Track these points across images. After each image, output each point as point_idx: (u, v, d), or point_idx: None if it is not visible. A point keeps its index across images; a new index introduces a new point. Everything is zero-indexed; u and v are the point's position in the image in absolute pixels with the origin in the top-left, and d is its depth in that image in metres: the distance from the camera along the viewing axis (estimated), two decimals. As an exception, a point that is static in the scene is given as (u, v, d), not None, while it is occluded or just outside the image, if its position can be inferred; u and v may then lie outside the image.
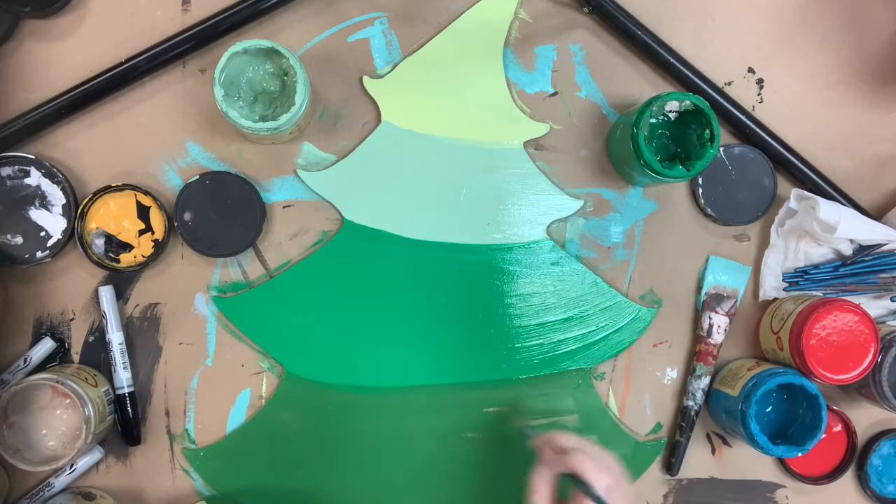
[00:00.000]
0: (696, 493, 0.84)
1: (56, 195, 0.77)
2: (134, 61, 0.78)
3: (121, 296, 0.79)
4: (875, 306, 0.83)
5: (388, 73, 0.81)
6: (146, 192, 0.78)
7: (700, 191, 0.82)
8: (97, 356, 0.79)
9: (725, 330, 0.82)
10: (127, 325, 0.79)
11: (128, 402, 0.78)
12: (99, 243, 0.77)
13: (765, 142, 0.82)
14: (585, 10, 0.81)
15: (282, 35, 0.80)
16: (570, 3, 0.82)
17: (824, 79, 0.85)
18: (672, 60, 0.81)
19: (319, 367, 0.80)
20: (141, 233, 0.78)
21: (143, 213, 0.78)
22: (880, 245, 0.81)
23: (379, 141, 0.81)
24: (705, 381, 0.82)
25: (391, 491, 0.81)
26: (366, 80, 0.81)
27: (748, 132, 0.82)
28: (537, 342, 0.82)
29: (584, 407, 0.82)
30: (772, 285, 0.83)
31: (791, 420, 0.80)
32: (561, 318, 0.82)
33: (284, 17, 0.80)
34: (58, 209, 0.77)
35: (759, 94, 0.84)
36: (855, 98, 0.85)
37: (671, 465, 0.83)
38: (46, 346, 0.78)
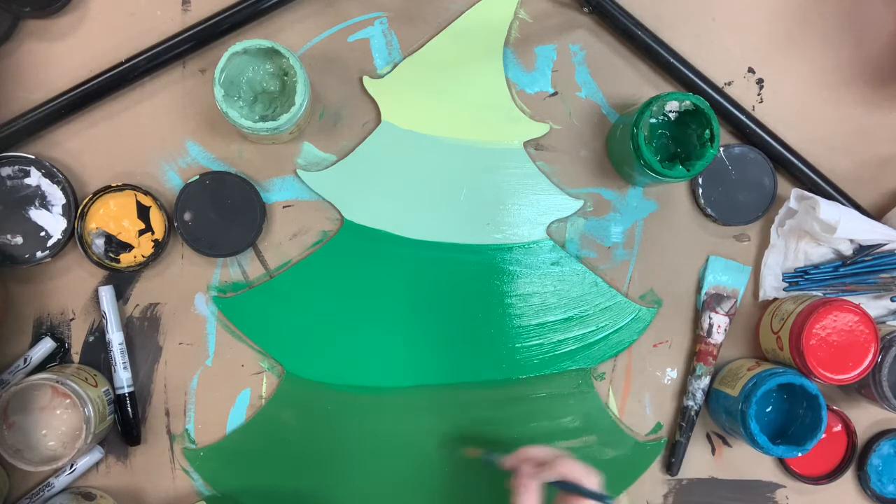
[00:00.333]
0: (696, 493, 0.84)
1: (56, 195, 0.77)
2: (134, 61, 0.78)
3: (121, 296, 0.79)
4: (875, 306, 0.83)
5: (388, 73, 0.81)
6: (146, 192, 0.78)
7: (700, 191, 0.82)
8: (97, 356, 0.79)
9: (725, 330, 0.82)
10: (127, 325, 0.79)
11: (128, 402, 0.78)
12: (99, 243, 0.77)
13: (765, 142, 0.82)
14: (585, 10, 0.81)
15: (282, 35, 0.80)
16: (570, 3, 0.82)
17: (824, 79, 0.85)
18: (672, 60, 0.81)
19: (319, 367, 0.80)
20: (141, 233, 0.78)
21: (143, 213, 0.78)
22: (880, 245, 0.81)
23: (379, 141, 0.81)
24: (705, 381, 0.82)
25: (391, 491, 0.81)
26: (366, 80, 0.81)
27: (748, 132, 0.82)
28: (537, 342, 0.82)
29: (584, 407, 0.82)
30: (772, 285, 0.83)
31: (791, 420, 0.80)
32: (561, 318, 0.82)
33: (284, 17, 0.80)
34: (58, 209, 0.77)
35: (759, 94, 0.84)
36: (855, 98, 0.85)
37: (671, 465, 0.83)
38: (46, 346, 0.78)
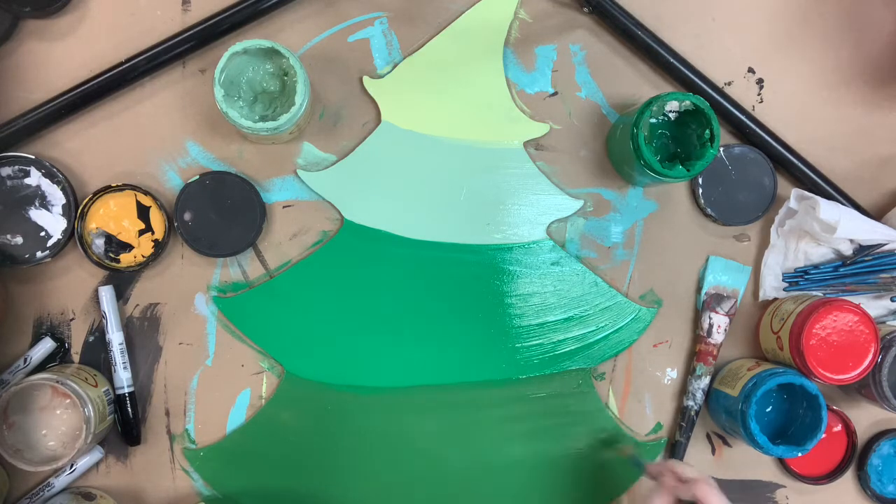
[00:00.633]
0: (696, 493, 0.84)
1: (56, 195, 0.77)
2: (134, 61, 0.78)
3: (121, 296, 0.79)
4: (875, 306, 0.83)
5: (388, 73, 0.81)
6: (146, 192, 0.78)
7: (700, 191, 0.82)
8: (97, 356, 0.79)
9: (725, 330, 0.83)
10: (127, 325, 0.79)
11: (128, 402, 0.78)
12: (99, 243, 0.77)
13: (765, 142, 0.82)
14: (585, 10, 0.81)
15: (282, 35, 0.80)
16: (570, 3, 0.82)
17: (824, 79, 0.85)
18: (672, 60, 0.81)
19: (319, 367, 0.80)
20: (141, 233, 0.78)
21: (143, 213, 0.78)
22: (880, 245, 0.81)
23: (379, 141, 0.81)
24: (705, 381, 0.82)
25: (391, 491, 0.81)
26: (366, 80, 0.81)
27: (748, 132, 0.82)
28: (537, 342, 0.82)
29: (584, 407, 0.82)
30: (772, 285, 0.83)
31: (791, 420, 0.80)
32: (561, 318, 0.82)
33: (284, 17, 0.80)
34: (58, 209, 0.77)
35: (759, 94, 0.84)
36: (855, 98, 0.85)
37: (671, 465, 0.83)
38: (46, 346, 0.78)
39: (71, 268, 0.79)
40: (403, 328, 0.81)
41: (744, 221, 0.83)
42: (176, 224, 0.78)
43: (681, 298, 0.84)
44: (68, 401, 0.74)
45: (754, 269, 0.84)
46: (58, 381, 0.71)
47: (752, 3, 0.84)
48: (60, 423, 0.74)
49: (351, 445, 0.80)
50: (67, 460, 0.72)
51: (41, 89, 0.78)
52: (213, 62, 0.75)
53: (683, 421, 0.82)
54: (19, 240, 0.77)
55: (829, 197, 0.82)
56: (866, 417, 0.85)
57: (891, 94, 0.85)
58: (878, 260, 0.82)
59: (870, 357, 0.76)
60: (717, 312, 0.82)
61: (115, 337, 0.78)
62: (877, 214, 0.84)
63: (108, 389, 0.77)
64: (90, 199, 0.77)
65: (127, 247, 0.78)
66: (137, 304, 0.80)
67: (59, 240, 0.77)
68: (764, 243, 0.84)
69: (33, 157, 0.77)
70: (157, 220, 0.78)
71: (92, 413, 0.72)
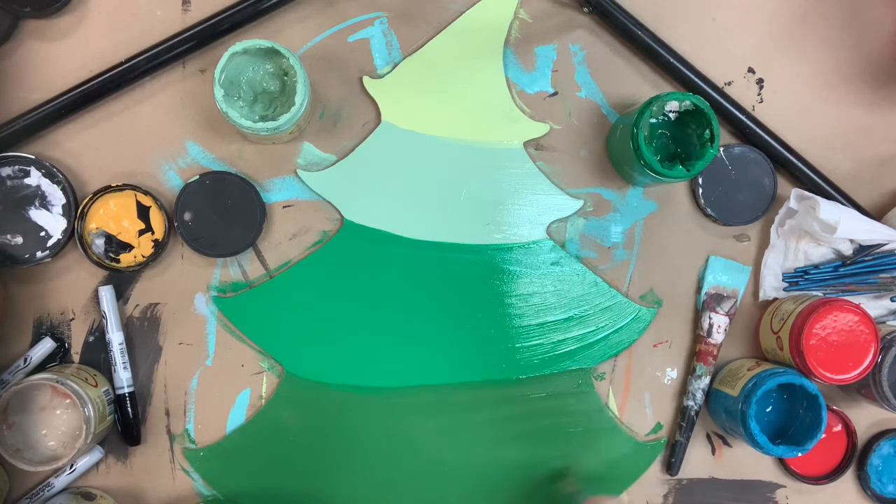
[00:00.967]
0: (696, 493, 0.84)
1: (56, 195, 0.77)
2: (134, 61, 0.78)
3: (121, 296, 0.79)
4: (875, 306, 0.83)
5: (388, 73, 0.81)
6: (146, 192, 0.78)
7: (700, 191, 0.82)
8: (97, 356, 0.79)
9: (725, 330, 0.82)
10: (127, 325, 0.79)
11: (128, 402, 0.78)
12: (99, 243, 0.77)
13: (765, 142, 0.82)
14: (585, 10, 0.81)
15: (282, 35, 0.80)
16: (570, 3, 0.82)
17: (824, 79, 0.85)
18: (672, 60, 0.81)
19: (319, 367, 0.80)
20: (141, 233, 0.78)
21: (143, 213, 0.78)
22: (880, 245, 0.81)
23: (379, 141, 0.81)
24: (705, 381, 0.82)
25: (391, 491, 0.81)
26: (366, 80, 0.81)
27: (748, 132, 0.82)
28: (537, 342, 0.82)
29: (584, 407, 0.82)
30: (772, 285, 0.83)
31: (791, 420, 0.80)
32: (561, 318, 0.82)
33: (284, 17, 0.80)
34: (58, 209, 0.77)
35: (759, 94, 0.84)
36: (855, 98, 0.85)
37: (671, 465, 0.83)
38: (46, 346, 0.78)
39: (71, 268, 0.79)
40: (403, 328, 0.81)
41: (744, 221, 0.83)
42: (176, 224, 0.78)
43: (681, 298, 0.84)
44: (68, 401, 0.74)
45: (754, 269, 0.84)
46: (58, 381, 0.71)
47: (752, 3, 0.84)
48: (60, 423, 0.74)
49: (351, 445, 0.80)
50: (67, 460, 0.72)
51: (41, 89, 0.78)
52: (213, 62, 0.75)
53: (683, 421, 0.82)
54: (19, 240, 0.77)
55: (829, 197, 0.82)
56: (866, 417, 0.85)
57: (891, 94, 0.85)
58: (878, 260, 0.82)
59: (870, 357, 0.76)
60: (717, 312, 0.82)
61: (115, 337, 0.78)
62: (877, 214, 0.84)
63: (108, 389, 0.77)
64: (90, 199, 0.77)
65: (127, 247, 0.78)
66: (137, 304, 0.80)
67: (59, 240, 0.77)
68: (764, 243, 0.84)
69: (33, 157, 0.77)
70: (157, 220, 0.78)
71: (92, 413, 0.72)
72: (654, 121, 0.78)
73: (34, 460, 0.73)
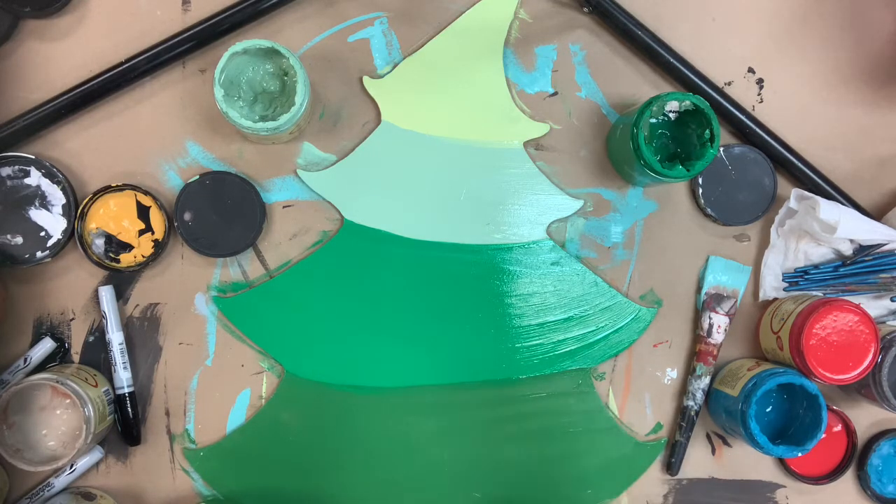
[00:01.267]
0: (696, 493, 0.84)
1: (56, 195, 0.77)
2: (134, 61, 0.78)
3: (121, 296, 0.79)
4: (875, 306, 0.83)
5: (388, 73, 0.81)
6: (146, 192, 0.78)
7: (700, 191, 0.82)
8: (97, 356, 0.79)
9: (725, 330, 0.82)
10: (127, 325, 0.79)
11: (128, 402, 0.78)
12: (99, 243, 0.77)
13: (765, 142, 0.82)
14: (585, 10, 0.81)
15: (282, 35, 0.80)
16: (570, 3, 0.82)
17: (824, 79, 0.85)
18: (672, 60, 0.81)
19: (319, 367, 0.80)
20: (141, 233, 0.78)
21: (143, 213, 0.78)
22: (880, 245, 0.81)
23: (379, 141, 0.81)
24: (705, 381, 0.82)
25: (391, 491, 0.81)
26: (366, 80, 0.81)
27: (748, 132, 0.82)
28: (537, 342, 0.82)
29: (584, 407, 0.82)
30: (772, 285, 0.83)
31: (791, 420, 0.80)
32: (561, 318, 0.82)
33: (284, 17, 0.80)
34: (58, 209, 0.77)
35: (759, 94, 0.84)
36: (855, 98, 0.85)
37: (671, 465, 0.83)
38: (46, 346, 0.78)
39: (71, 268, 0.79)
40: (403, 328, 0.81)
41: (744, 221, 0.83)
42: (176, 224, 0.78)
43: (681, 298, 0.84)
44: (68, 401, 0.74)
45: (754, 269, 0.84)
46: (58, 381, 0.71)
47: (752, 3, 0.84)
48: (60, 423, 0.74)
49: (351, 445, 0.80)
50: (67, 460, 0.72)
51: (41, 89, 0.78)
52: (213, 62, 0.75)
53: (683, 421, 0.82)
54: (19, 240, 0.77)
55: (829, 197, 0.82)
56: (866, 417, 0.85)
57: (891, 94, 0.85)
58: (878, 260, 0.82)
59: (870, 357, 0.76)
60: (717, 312, 0.82)
61: (115, 337, 0.78)
62: (877, 214, 0.84)
63: (108, 389, 0.77)
64: (90, 199, 0.77)
65: (127, 247, 0.78)
66: (137, 304, 0.80)
67: (59, 240, 0.77)
68: (764, 243, 0.84)
69: (33, 157, 0.77)
70: (157, 220, 0.78)
71: (92, 413, 0.72)
72: (654, 121, 0.78)
73: (34, 460, 0.73)
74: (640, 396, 0.83)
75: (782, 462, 0.84)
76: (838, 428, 0.84)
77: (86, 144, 0.79)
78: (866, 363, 0.76)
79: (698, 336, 0.83)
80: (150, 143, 0.80)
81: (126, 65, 0.78)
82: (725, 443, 0.84)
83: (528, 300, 0.82)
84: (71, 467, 0.78)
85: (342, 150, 0.81)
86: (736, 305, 0.83)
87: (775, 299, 0.84)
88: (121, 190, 0.77)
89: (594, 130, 0.83)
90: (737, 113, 0.82)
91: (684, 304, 0.84)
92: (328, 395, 0.80)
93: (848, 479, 0.84)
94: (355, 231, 0.80)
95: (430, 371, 0.81)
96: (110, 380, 0.79)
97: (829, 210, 0.79)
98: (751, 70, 0.84)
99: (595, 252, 0.83)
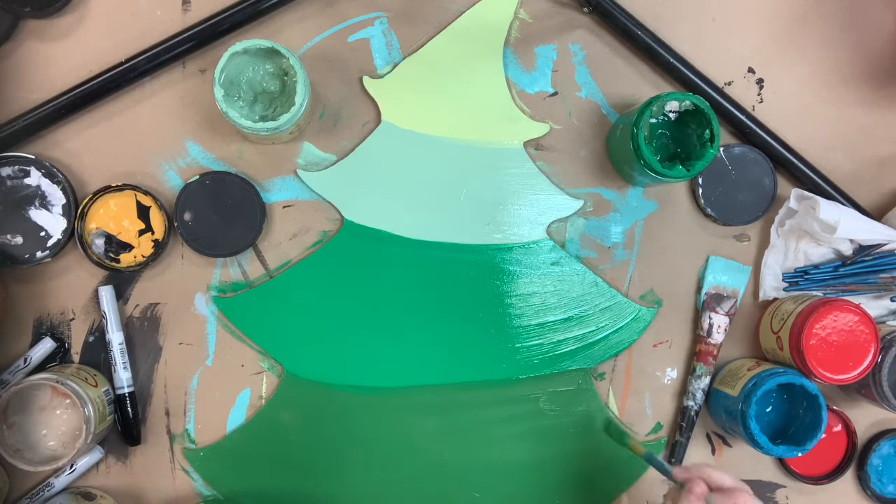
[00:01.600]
0: (696, 493, 0.84)
1: (56, 195, 0.77)
2: (134, 61, 0.78)
3: (121, 296, 0.79)
4: (875, 306, 0.83)
5: (388, 73, 0.81)
6: (146, 192, 0.78)
7: (700, 191, 0.82)
8: (97, 356, 0.79)
9: (725, 330, 0.82)
10: (127, 325, 0.79)
11: (128, 402, 0.78)
12: (99, 243, 0.77)
13: (765, 142, 0.82)
14: (585, 10, 0.81)
15: (282, 35, 0.80)
16: (570, 3, 0.82)
17: (824, 79, 0.85)
18: (672, 60, 0.81)
19: (319, 367, 0.80)
20: (141, 233, 0.78)
21: (143, 213, 0.78)
22: (880, 245, 0.81)
23: (379, 141, 0.81)
24: (705, 381, 0.82)
25: (391, 491, 0.81)
26: (366, 80, 0.81)
27: (748, 132, 0.82)
28: (537, 342, 0.82)
29: (583, 407, 0.82)
30: (772, 285, 0.83)
31: (791, 420, 0.80)
32: (561, 318, 0.82)
33: (284, 17, 0.80)
34: (58, 209, 0.77)
35: (759, 94, 0.84)
36: (855, 98, 0.85)
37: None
38: (46, 346, 0.78)
39: (71, 268, 0.79)
40: (403, 328, 0.81)
41: (744, 221, 0.83)
42: (176, 224, 0.78)
43: (681, 298, 0.84)
44: (68, 401, 0.74)
45: (754, 269, 0.84)
46: (58, 381, 0.71)
47: (752, 3, 0.84)
48: (60, 423, 0.74)
49: (351, 445, 0.80)
50: (67, 460, 0.72)
51: (41, 89, 0.78)
52: (213, 62, 0.75)
53: (683, 421, 0.82)
54: (19, 240, 0.77)
55: (829, 197, 0.82)
56: (866, 417, 0.85)
57: (891, 94, 0.85)
58: (878, 260, 0.82)
59: (870, 357, 0.76)
60: (717, 312, 0.82)
61: (115, 337, 0.78)
62: (877, 214, 0.84)
63: (108, 389, 0.77)
64: (90, 199, 0.77)
65: (127, 247, 0.78)
66: (137, 304, 0.80)
67: (59, 240, 0.77)
68: (764, 243, 0.84)
69: (33, 157, 0.77)
70: (157, 220, 0.78)
71: (92, 413, 0.72)
72: (654, 121, 0.78)
73: (34, 460, 0.73)
74: (640, 396, 0.83)
75: (782, 462, 0.84)
76: (838, 428, 0.84)
77: (86, 144, 0.79)
78: (866, 363, 0.76)
79: (698, 336, 0.83)
80: (150, 143, 0.80)
81: (126, 65, 0.78)
82: (725, 443, 0.84)
83: (528, 300, 0.82)
84: (71, 467, 0.78)
85: (342, 150, 0.81)
86: (736, 305, 0.83)
87: (775, 299, 0.84)
88: (121, 190, 0.77)
89: (594, 130, 0.83)
90: (737, 113, 0.82)
91: (684, 304, 0.84)
92: (328, 395, 0.80)
93: (848, 479, 0.84)
94: (355, 231, 0.80)
95: (430, 371, 0.81)
96: (110, 380, 0.79)
97: (829, 210, 0.79)
98: (751, 70, 0.84)
99: (595, 252, 0.83)
